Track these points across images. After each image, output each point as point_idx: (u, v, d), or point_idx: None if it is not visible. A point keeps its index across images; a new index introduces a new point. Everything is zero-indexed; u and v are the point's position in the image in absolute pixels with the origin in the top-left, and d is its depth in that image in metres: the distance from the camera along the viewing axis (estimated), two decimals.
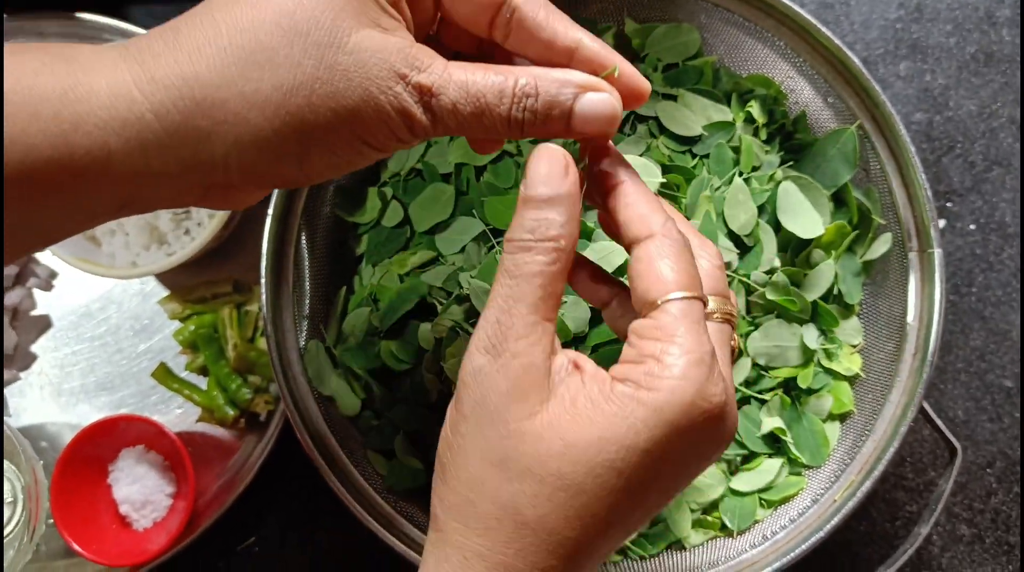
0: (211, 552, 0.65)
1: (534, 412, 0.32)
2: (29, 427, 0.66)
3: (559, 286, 0.33)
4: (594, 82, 0.35)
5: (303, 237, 0.56)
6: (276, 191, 0.54)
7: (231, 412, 0.64)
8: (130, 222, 0.61)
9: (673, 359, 0.31)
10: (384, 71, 0.33)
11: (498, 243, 0.54)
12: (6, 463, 0.61)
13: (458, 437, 0.34)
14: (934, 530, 0.63)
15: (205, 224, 0.61)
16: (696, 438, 0.32)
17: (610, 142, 0.36)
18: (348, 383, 0.56)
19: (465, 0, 0.35)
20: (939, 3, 0.68)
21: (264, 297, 0.53)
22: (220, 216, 0.58)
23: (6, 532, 0.60)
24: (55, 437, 0.66)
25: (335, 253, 0.59)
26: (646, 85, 0.36)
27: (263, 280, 0.53)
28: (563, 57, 0.35)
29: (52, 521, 0.60)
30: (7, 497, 0.61)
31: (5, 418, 0.66)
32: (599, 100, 0.34)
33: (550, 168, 0.34)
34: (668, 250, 0.33)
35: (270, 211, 0.54)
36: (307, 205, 0.56)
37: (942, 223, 0.55)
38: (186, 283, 0.66)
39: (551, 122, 0.34)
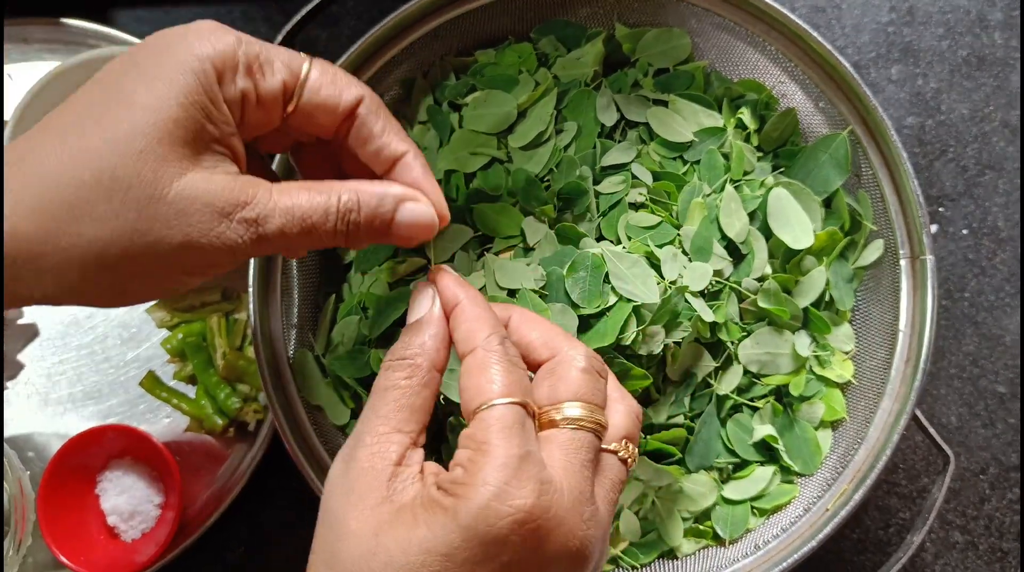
0: (200, 562, 0.64)
1: (364, 517, 0.33)
2: (16, 437, 0.66)
3: (418, 400, 0.35)
4: (410, 194, 0.38)
5: None
6: None
7: (220, 421, 0.63)
8: None
9: (477, 465, 0.32)
10: (206, 216, 0.34)
11: (486, 250, 0.54)
12: None
13: (314, 539, 0.35)
14: (927, 537, 0.63)
15: None
16: (508, 550, 0.31)
17: (446, 267, 0.39)
18: (337, 392, 0.56)
19: (322, 114, 0.38)
20: (931, 6, 0.67)
21: (252, 306, 0.53)
22: None
23: None
24: (42, 447, 0.66)
25: (324, 262, 0.59)
26: (446, 213, 0.40)
27: (251, 289, 0.53)
28: (388, 163, 0.39)
29: (39, 533, 0.59)
30: None
31: None
32: (416, 210, 0.38)
33: (418, 301, 0.38)
34: (486, 361, 0.34)
35: None
36: None
37: (934, 228, 0.54)
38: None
39: (374, 232, 0.37)
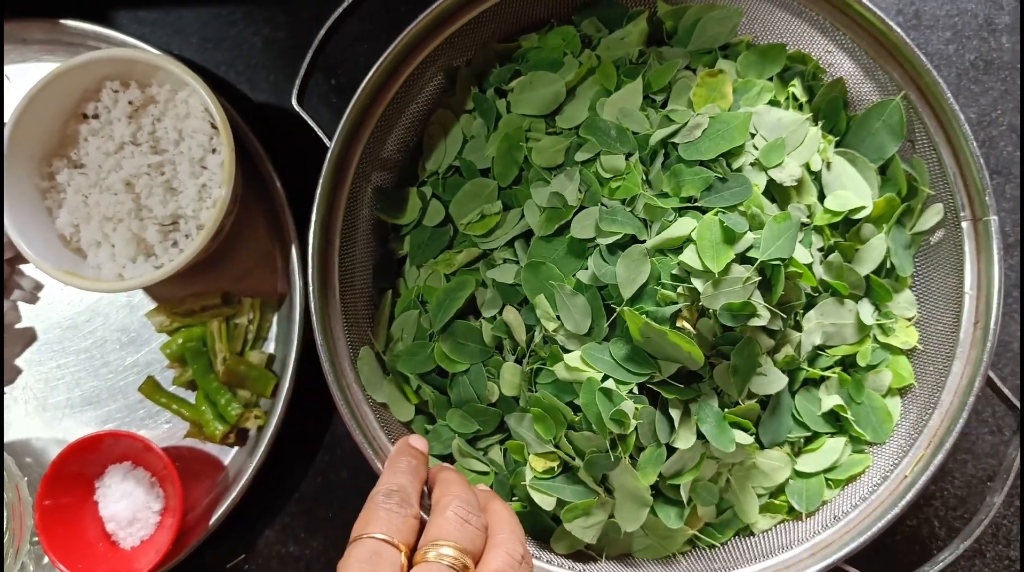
0: (200, 570, 0.64)
1: None
2: (13, 443, 0.64)
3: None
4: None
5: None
6: (317, 201, 0.52)
7: (220, 427, 0.62)
8: (116, 233, 0.59)
9: None
10: None
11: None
12: None
13: None
14: (934, 544, 0.63)
15: (193, 236, 0.59)
16: None
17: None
18: (400, 389, 0.55)
19: None
20: (938, 10, 0.66)
21: (313, 305, 0.52)
22: (208, 228, 0.56)
23: None
24: (40, 453, 0.64)
25: (375, 257, 0.58)
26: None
27: (311, 288, 0.52)
28: None
29: (36, 539, 0.58)
30: None
31: None
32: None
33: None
34: (368, 507, 0.42)
35: (313, 217, 0.52)
36: (347, 210, 0.55)
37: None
38: (174, 295, 0.64)
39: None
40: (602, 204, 0.51)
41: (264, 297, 0.64)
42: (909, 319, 0.55)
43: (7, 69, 0.66)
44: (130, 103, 0.60)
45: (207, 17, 0.67)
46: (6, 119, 0.57)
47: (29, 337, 0.65)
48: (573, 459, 0.51)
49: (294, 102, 0.55)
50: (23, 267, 0.65)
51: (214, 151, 0.60)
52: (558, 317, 0.50)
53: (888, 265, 0.54)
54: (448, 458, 0.55)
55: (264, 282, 0.64)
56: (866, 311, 0.54)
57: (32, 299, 0.65)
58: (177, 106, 0.60)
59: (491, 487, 0.54)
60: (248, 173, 0.63)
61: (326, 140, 0.54)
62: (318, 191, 0.53)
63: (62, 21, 0.64)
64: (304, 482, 0.64)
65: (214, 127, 0.60)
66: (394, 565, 0.39)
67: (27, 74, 0.66)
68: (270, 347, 0.64)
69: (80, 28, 0.64)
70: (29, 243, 0.57)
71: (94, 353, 0.65)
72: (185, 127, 0.60)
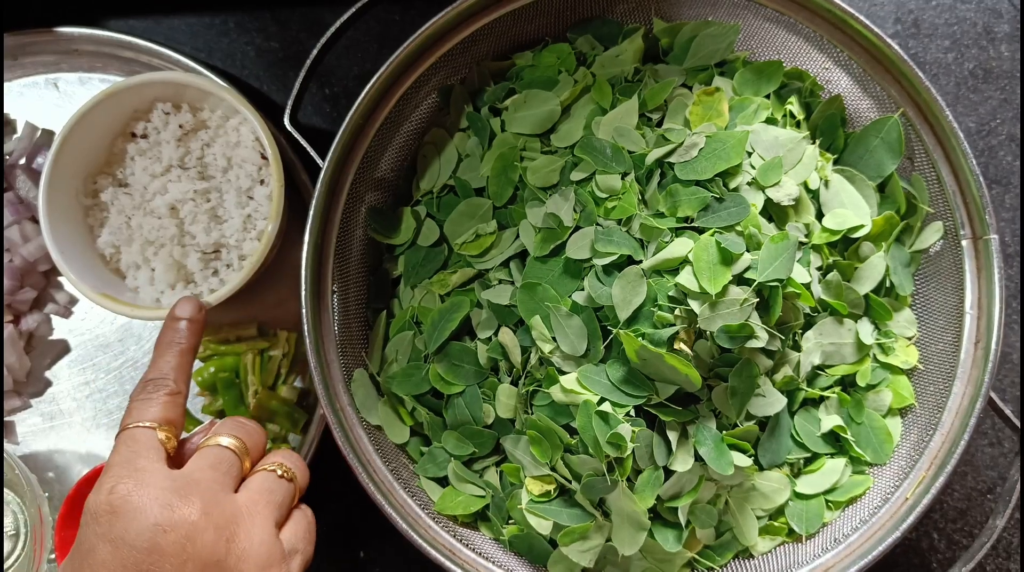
0: None
1: None
2: (36, 454, 0.64)
3: None
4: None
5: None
6: (310, 223, 0.52)
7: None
8: (158, 258, 0.59)
9: None
10: None
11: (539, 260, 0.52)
12: (10, 494, 0.59)
13: None
14: (933, 557, 0.62)
15: (235, 266, 0.59)
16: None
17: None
18: (395, 410, 0.55)
19: None
20: (937, 18, 0.66)
21: (307, 327, 0.51)
22: (253, 262, 0.56)
23: (6, 567, 0.58)
24: (63, 468, 0.64)
25: (371, 277, 0.57)
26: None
27: (304, 310, 0.52)
28: None
29: (53, 557, 0.58)
30: (9, 530, 0.59)
31: (12, 447, 0.64)
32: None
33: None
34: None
35: (306, 239, 0.52)
36: (340, 230, 0.55)
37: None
38: (209, 321, 0.63)
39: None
40: (598, 224, 0.51)
41: (299, 329, 0.63)
42: (909, 338, 0.55)
43: (57, 78, 0.67)
44: (180, 127, 0.60)
45: (199, 27, 0.66)
46: (56, 134, 0.58)
47: (60, 350, 0.65)
48: (569, 482, 0.50)
49: (287, 122, 0.55)
50: (61, 279, 0.65)
51: (262, 182, 0.59)
52: (554, 338, 0.50)
53: (887, 284, 0.54)
54: (444, 481, 0.54)
55: (300, 312, 0.63)
56: (865, 330, 0.53)
57: (66, 313, 0.66)
58: (228, 133, 0.60)
59: (487, 509, 0.53)
60: (291, 203, 0.62)
61: (319, 161, 0.53)
62: (310, 214, 0.52)
63: (56, 29, 0.64)
64: (327, 521, 0.63)
65: (263, 158, 0.59)
66: (150, 440, 0.44)
67: (78, 85, 0.67)
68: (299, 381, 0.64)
69: (133, 43, 0.65)
70: (69, 263, 0.58)
71: (124, 373, 0.65)
72: (234, 155, 0.59)
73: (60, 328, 0.66)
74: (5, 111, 0.67)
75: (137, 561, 0.39)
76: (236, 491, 0.44)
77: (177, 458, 0.46)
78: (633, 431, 0.47)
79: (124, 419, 0.46)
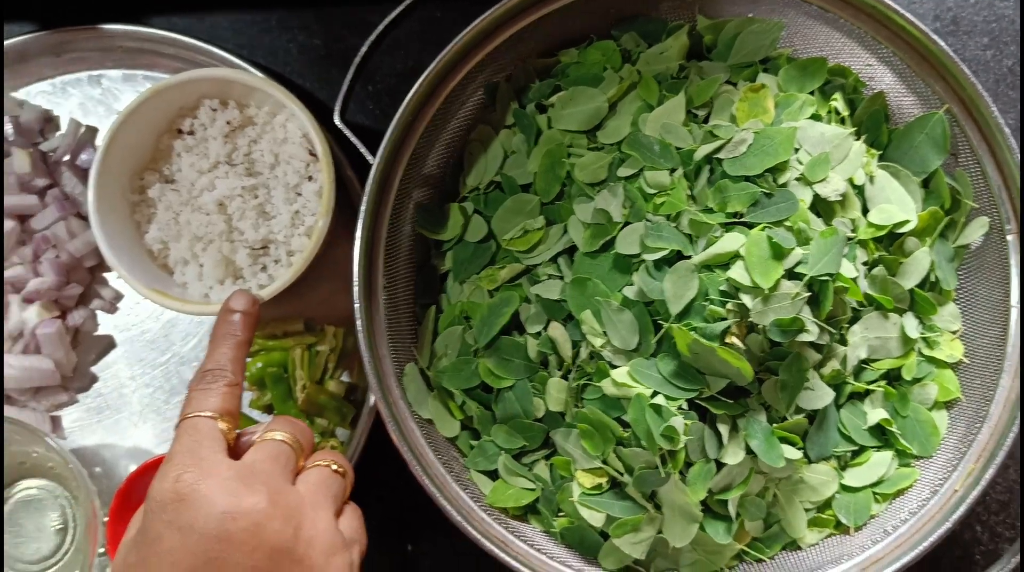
0: None
1: None
2: (84, 448, 0.65)
3: None
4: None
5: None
6: (361, 219, 0.52)
7: None
8: (206, 254, 0.59)
9: None
10: None
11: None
12: (59, 488, 0.60)
13: None
14: (976, 549, 0.62)
15: (284, 261, 0.60)
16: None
17: None
18: (444, 404, 0.55)
19: None
20: (975, 16, 0.66)
21: (360, 323, 0.52)
22: (303, 258, 0.56)
23: (54, 560, 0.59)
24: (110, 463, 0.65)
25: (419, 273, 0.58)
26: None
27: (357, 306, 0.52)
28: None
29: (103, 551, 0.58)
30: (57, 524, 0.60)
31: (61, 441, 0.64)
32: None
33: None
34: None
35: (358, 235, 0.52)
36: (390, 227, 0.55)
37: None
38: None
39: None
40: (647, 220, 0.51)
41: (346, 324, 0.63)
42: (954, 332, 0.55)
43: (101, 74, 0.68)
44: (228, 123, 0.60)
45: (241, 24, 0.67)
46: (102, 133, 0.59)
47: (106, 345, 0.66)
48: (622, 475, 0.51)
49: (337, 120, 0.56)
50: (106, 275, 0.66)
51: (310, 178, 0.60)
52: (604, 333, 0.50)
53: (932, 278, 0.54)
54: (494, 474, 0.55)
55: (346, 307, 0.64)
56: (910, 324, 0.54)
57: (111, 309, 0.66)
58: (275, 129, 0.60)
59: (536, 502, 0.54)
60: (337, 199, 0.62)
61: (369, 158, 0.54)
62: (362, 210, 0.53)
63: (100, 26, 0.65)
64: (376, 515, 0.64)
65: (311, 154, 0.60)
66: (212, 430, 0.44)
67: (121, 82, 0.68)
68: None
69: (177, 40, 0.65)
70: (119, 258, 0.58)
71: (170, 368, 0.66)
72: (282, 152, 0.60)
73: (105, 324, 0.66)
74: (48, 108, 0.67)
75: (206, 549, 0.40)
76: (293, 484, 0.45)
77: (234, 451, 0.46)
78: (686, 424, 0.48)
79: (184, 408, 0.46)
